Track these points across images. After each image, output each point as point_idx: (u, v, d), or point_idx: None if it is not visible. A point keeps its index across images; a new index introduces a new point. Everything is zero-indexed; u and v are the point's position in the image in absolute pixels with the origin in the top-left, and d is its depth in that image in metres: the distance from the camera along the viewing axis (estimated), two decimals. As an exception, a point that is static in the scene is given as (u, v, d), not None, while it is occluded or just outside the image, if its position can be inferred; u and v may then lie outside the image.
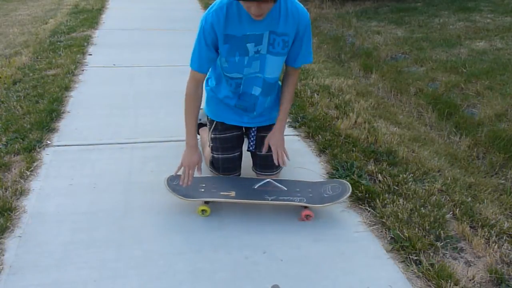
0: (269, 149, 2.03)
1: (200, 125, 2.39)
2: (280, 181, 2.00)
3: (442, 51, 4.22)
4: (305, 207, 1.85)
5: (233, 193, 1.90)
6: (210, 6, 1.74)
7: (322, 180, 2.01)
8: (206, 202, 1.88)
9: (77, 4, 6.65)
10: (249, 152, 2.13)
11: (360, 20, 5.69)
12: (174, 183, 1.93)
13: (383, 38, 4.82)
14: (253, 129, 2.07)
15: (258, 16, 1.65)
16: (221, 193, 1.90)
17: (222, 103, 2.01)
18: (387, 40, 4.72)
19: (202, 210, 1.86)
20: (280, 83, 2.03)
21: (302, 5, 1.79)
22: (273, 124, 2.05)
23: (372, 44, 4.70)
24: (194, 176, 1.90)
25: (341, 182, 1.97)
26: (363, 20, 5.71)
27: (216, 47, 1.78)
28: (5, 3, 7.31)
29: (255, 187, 1.96)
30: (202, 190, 1.93)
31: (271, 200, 1.86)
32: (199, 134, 2.40)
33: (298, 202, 1.85)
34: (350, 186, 1.92)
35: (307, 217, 1.85)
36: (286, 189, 1.94)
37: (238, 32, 1.73)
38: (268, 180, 2.00)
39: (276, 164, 1.97)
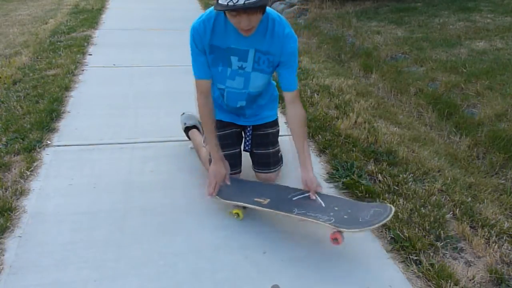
0: (265, 148, 2.04)
1: (188, 128, 2.40)
2: (321, 196, 1.82)
3: (442, 51, 4.22)
4: (338, 230, 1.61)
5: (266, 201, 1.81)
6: (201, 14, 1.76)
7: (369, 202, 1.77)
8: (243, 207, 1.83)
9: (77, 4, 6.65)
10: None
11: (360, 20, 5.69)
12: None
13: (383, 38, 4.82)
14: (249, 129, 2.07)
15: (247, 30, 1.63)
16: (255, 199, 1.83)
17: (218, 104, 2.02)
18: (387, 40, 4.71)
19: (236, 213, 1.84)
20: (274, 82, 2.04)
21: (292, 30, 1.77)
22: (268, 122, 2.06)
23: (372, 44, 4.70)
24: (235, 178, 1.93)
25: (385, 207, 1.68)
26: (363, 20, 5.71)
27: (205, 53, 1.80)
28: (5, 3, 7.31)
29: (293, 198, 1.83)
30: (239, 192, 1.89)
31: (295, 214, 1.71)
32: (189, 138, 2.40)
33: (324, 222, 1.64)
34: (392, 210, 1.64)
35: (334, 240, 1.61)
36: (324, 205, 1.76)
37: (223, 44, 1.75)
38: (308, 194, 1.83)
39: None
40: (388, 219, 1.60)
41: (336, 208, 1.72)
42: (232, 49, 1.76)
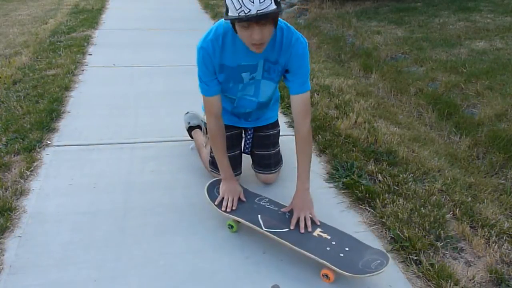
0: (266, 149, 2.04)
1: (191, 128, 2.40)
2: (327, 228, 1.72)
3: (442, 51, 4.22)
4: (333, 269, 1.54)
5: (266, 222, 1.73)
6: (205, 34, 1.69)
7: (367, 245, 1.64)
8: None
9: (77, 4, 6.65)
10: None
11: (360, 20, 5.69)
12: (215, 191, 1.89)
13: (383, 38, 4.82)
14: (250, 131, 2.07)
15: (259, 46, 1.55)
16: (259, 215, 1.77)
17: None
18: (387, 40, 4.72)
19: (229, 225, 1.80)
20: (278, 91, 2.03)
21: (301, 35, 1.72)
22: (269, 124, 2.06)
23: (372, 44, 4.70)
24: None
25: (385, 256, 1.57)
26: (363, 20, 5.71)
27: (215, 72, 1.74)
28: (5, 3, 7.31)
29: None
30: (238, 205, 1.83)
31: (291, 243, 1.61)
32: (192, 138, 2.40)
33: (318, 257, 1.56)
34: (388, 260, 1.53)
35: (324, 277, 1.56)
36: (329, 237, 1.66)
37: (233, 63, 1.71)
38: (320, 224, 1.73)
39: (302, 231, 1.69)
40: (385, 266, 1.50)
41: (333, 243, 1.63)
42: (242, 66, 1.72)
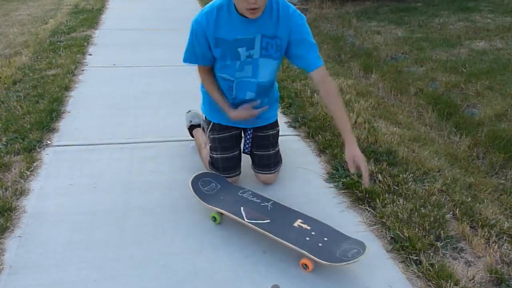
0: (265, 149, 2.04)
1: (192, 126, 2.40)
2: (307, 219, 1.75)
3: (442, 51, 4.22)
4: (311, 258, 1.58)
5: (248, 214, 1.77)
6: (202, 9, 1.74)
7: (346, 236, 1.67)
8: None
9: (77, 4, 6.65)
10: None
11: (360, 20, 5.69)
12: (199, 184, 1.92)
13: (383, 38, 4.82)
14: (249, 131, 2.07)
15: (254, 10, 1.58)
16: (242, 207, 1.81)
17: (218, 105, 2.01)
18: (387, 40, 4.72)
19: (213, 217, 1.83)
20: (277, 84, 2.03)
21: (296, 9, 1.74)
22: (269, 124, 2.05)
23: (372, 44, 4.70)
24: (225, 182, 1.97)
25: (362, 246, 1.59)
26: (363, 20, 5.71)
27: (209, 47, 1.77)
28: (5, 3, 7.31)
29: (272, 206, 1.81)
30: (222, 197, 1.88)
31: (272, 234, 1.64)
32: (193, 137, 2.40)
33: (297, 247, 1.59)
34: (365, 249, 1.56)
35: (303, 266, 1.60)
36: (309, 228, 1.70)
37: (229, 36, 1.72)
38: (300, 215, 1.78)
39: (367, 183, 1.69)
40: (361, 256, 1.53)
41: (313, 233, 1.67)
42: (239, 40, 1.73)
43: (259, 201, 1.86)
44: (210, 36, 1.72)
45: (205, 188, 1.92)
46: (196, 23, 1.72)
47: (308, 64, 1.77)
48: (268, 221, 1.73)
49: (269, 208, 1.81)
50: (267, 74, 1.86)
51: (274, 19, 1.70)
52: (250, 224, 1.71)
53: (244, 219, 1.73)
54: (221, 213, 1.81)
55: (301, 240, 1.63)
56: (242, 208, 1.80)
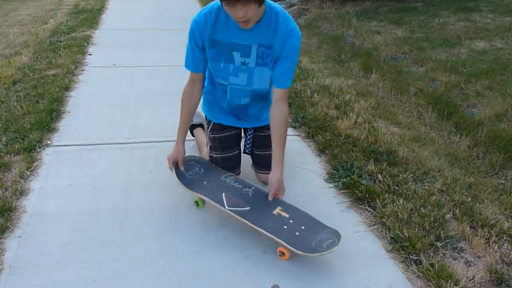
0: (266, 149, 2.04)
1: (193, 126, 2.40)
2: (287, 207, 1.79)
3: (442, 51, 4.22)
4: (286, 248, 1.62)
5: (228, 200, 1.80)
6: (202, 8, 1.75)
7: (324, 225, 1.70)
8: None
9: (77, 4, 6.65)
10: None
11: (360, 20, 5.69)
12: (183, 169, 1.96)
13: (383, 38, 4.82)
14: (250, 131, 2.07)
15: (244, 22, 1.60)
16: (224, 193, 1.83)
17: (218, 105, 2.01)
18: (387, 40, 4.71)
19: (196, 202, 1.88)
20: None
21: (296, 26, 1.75)
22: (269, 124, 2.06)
23: (372, 44, 4.70)
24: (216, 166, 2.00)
25: (337, 236, 1.62)
26: (363, 20, 5.71)
27: (203, 47, 1.78)
28: (5, 3, 7.31)
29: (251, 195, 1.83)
30: (205, 183, 1.90)
31: (251, 222, 1.68)
32: (193, 136, 2.41)
33: (274, 236, 1.62)
34: (340, 240, 1.60)
35: (280, 253, 1.64)
36: (288, 215, 1.73)
37: (225, 39, 1.73)
38: (280, 202, 1.81)
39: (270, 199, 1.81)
40: (337, 247, 1.56)
41: (291, 221, 1.70)
42: (234, 44, 1.74)
43: (240, 186, 1.88)
44: (206, 37, 1.73)
45: (189, 173, 1.95)
46: (195, 23, 1.73)
47: (279, 82, 1.81)
48: (248, 208, 1.75)
49: (250, 195, 1.83)
50: (262, 82, 1.87)
51: (272, 29, 1.71)
52: (230, 212, 1.73)
53: (224, 206, 1.75)
54: (203, 199, 1.84)
55: (279, 228, 1.66)
56: (224, 194, 1.82)
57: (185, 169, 1.96)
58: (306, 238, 1.63)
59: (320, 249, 1.56)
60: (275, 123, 1.83)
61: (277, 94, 1.83)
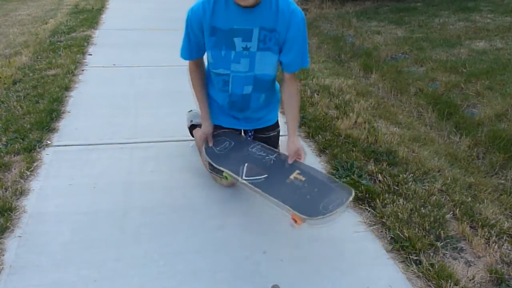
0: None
1: (193, 126, 2.39)
2: (305, 169, 1.76)
3: (442, 51, 4.22)
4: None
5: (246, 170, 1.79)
6: None
7: (338, 182, 1.70)
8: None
9: (77, 4, 6.65)
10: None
11: (360, 20, 5.69)
12: (212, 146, 1.96)
13: (383, 38, 4.82)
14: (250, 133, 2.06)
15: None
16: (246, 164, 1.82)
17: (218, 107, 2.00)
18: (387, 40, 4.72)
19: (225, 176, 1.85)
20: (278, 84, 2.02)
21: (297, 6, 1.73)
22: (270, 126, 2.05)
23: (372, 44, 4.70)
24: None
25: (348, 193, 1.62)
26: (363, 20, 5.71)
27: (202, 36, 1.76)
28: (5, 3, 7.31)
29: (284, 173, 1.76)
30: (232, 155, 1.89)
31: (262, 190, 1.66)
32: (193, 136, 2.40)
33: (280, 201, 1.61)
34: (350, 195, 1.60)
35: (293, 221, 1.59)
36: (304, 179, 1.70)
37: (225, 26, 1.70)
38: (299, 165, 1.77)
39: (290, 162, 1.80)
40: (341, 207, 1.55)
41: (306, 185, 1.67)
42: (235, 30, 1.70)
43: (264, 154, 1.88)
44: (206, 25, 1.70)
45: (217, 148, 1.94)
46: (192, 12, 1.71)
47: (290, 67, 1.82)
48: (266, 176, 1.74)
49: (272, 162, 1.82)
50: (264, 66, 1.81)
51: (273, 12, 1.68)
52: (245, 182, 1.72)
53: (241, 177, 1.74)
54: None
55: (290, 194, 1.63)
56: (246, 164, 1.81)
57: (214, 145, 1.94)
58: (315, 201, 1.59)
59: (325, 212, 1.52)
60: (289, 97, 1.87)
61: (287, 77, 1.85)
